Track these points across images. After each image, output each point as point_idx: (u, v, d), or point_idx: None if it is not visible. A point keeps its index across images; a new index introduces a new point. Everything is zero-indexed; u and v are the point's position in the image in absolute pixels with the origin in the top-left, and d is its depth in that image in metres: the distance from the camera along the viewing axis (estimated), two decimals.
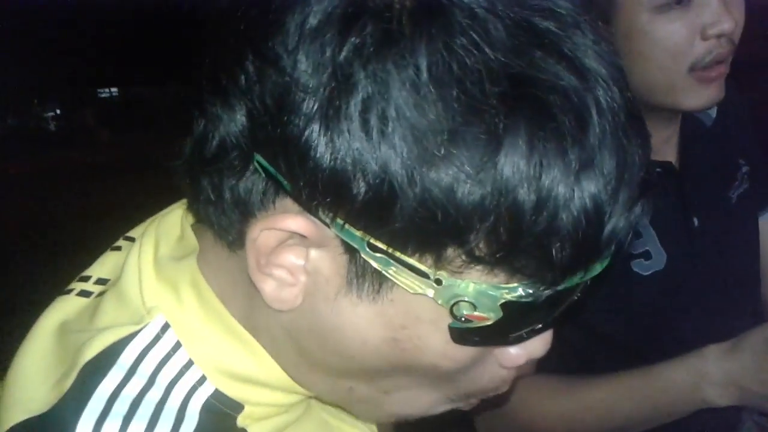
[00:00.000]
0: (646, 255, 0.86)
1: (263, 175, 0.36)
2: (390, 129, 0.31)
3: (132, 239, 0.50)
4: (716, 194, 0.91)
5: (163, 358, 0.42)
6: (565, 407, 0.85)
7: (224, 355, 0.43)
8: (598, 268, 0.37)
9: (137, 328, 0.43)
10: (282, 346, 0.43)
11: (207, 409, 0.42)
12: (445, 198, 0.32)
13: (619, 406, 0.81)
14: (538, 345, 0.42)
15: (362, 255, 0.35)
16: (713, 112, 0.92)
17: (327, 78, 0.32)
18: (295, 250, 0.37)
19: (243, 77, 0.35)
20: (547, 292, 0.35)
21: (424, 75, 0.32)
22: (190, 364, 0.43)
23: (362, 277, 0.36)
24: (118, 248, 0.51)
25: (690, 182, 0.88)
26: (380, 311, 0.37)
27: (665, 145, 0.88)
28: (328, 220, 0.35)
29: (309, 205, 0.35)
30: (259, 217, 0.37)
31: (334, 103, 0.32)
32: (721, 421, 0.90)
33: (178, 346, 0.43)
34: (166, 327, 0.43)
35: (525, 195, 0.32)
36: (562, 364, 0.93)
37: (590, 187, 0.33)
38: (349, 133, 0.32)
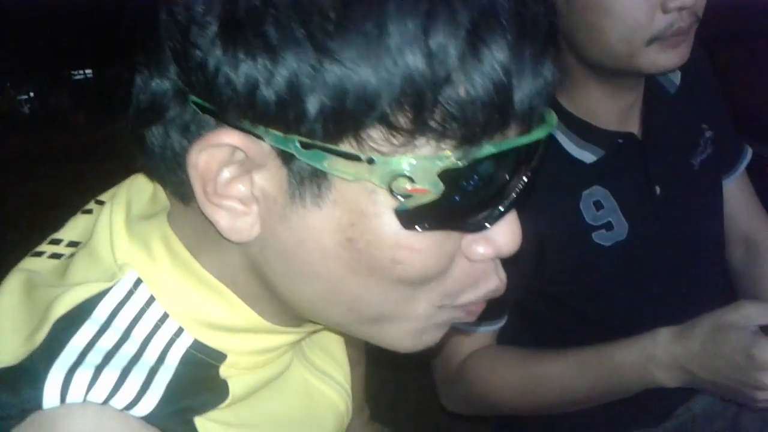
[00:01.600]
0: (608, 226, 0.86)
1: (198, 111, 0.37)
2: (283, 25, 0.33)
3: (103, 202, 0.50)
4: (679, 161, 0.91)
5: (137, 313, 0.43)
6: (521, 379, 0.86)
7: (199, 305, 0.44)
8: (525, 139, 0.37)
9: (109, 284, 0.43)
10: (256, 288, 0.44)
11: (186, 360, 0.43)
12: (346, 78, 0.33)
13: (573, 382, 0.82)
14: (504, 239, 0.41)
15: (296, 158, 0.36)
16: (677, 79, 0.91)
17: (217, 2, 0.34)
18: (239, 179, 0.38)
19: (162, 20, 0.36)
20: (479, 154, 0.36)
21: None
22: (165, 317, 0.43)
23: (302, 184, 0.37)
24: (89, 211, 0.52)
25: (652, 151, 0.88)
26: (327, 215, 0.38)
27: (628, 114, 0.87)
28: (259, 132, 0.36)
29: (237, 123, 0.36)
30: (199, 139, 0.38)
31: (227, 15, 0.34)
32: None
33: (151, 300, 0.43)
34: (138, 282, 0.43)
35: (417, 58, 0.33)
36: (532, 337, 0.94)
37: (487, 41, 0.34)
38: (246, 44, 0.34)
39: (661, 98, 0.89)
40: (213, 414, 0.44)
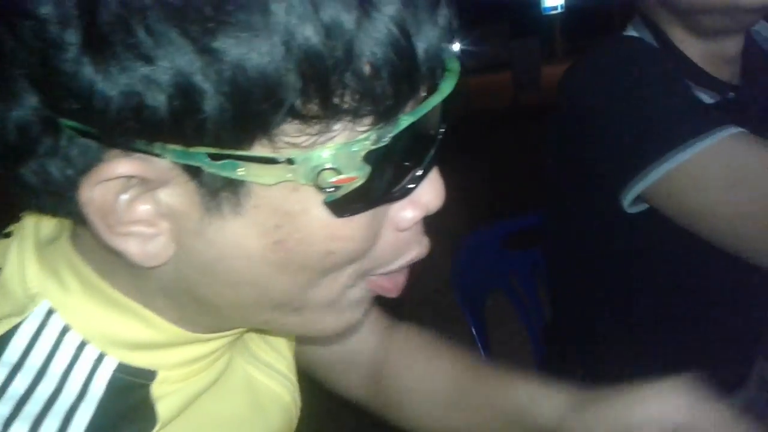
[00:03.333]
0: None
1: (77, 137, 0.34)
2: (155, 28, 0.30)
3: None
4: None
5: (52, 346, 0.40)
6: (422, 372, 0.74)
7: (116, 328, 0.42)
8: (437, 97, 0.37)
9: (20, 318, 0.41)
10: (178, 302, 0.42)
11: (113, 386, 0.41)
12: (239, 74, 0.30)
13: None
14: (429, 196, 0.40)
15: (206, 170, 0.33)
16: None
17: (72, 5, 0.30)
18: (141, 198, 0.35)
19: (7, 48, 0.32)
20: (399, 127, 0.35)
21: None
22: (83, 344, 0.41)
23: (216, 195, 0.35)
24: (8, 234, 0.47)
25: (759, 117, 0.83)
26: (249, 222, 0.36)
27: (732, 67, 0.84)
28: (157, 151, 0.33)
29: (127, 144, 0.33)
30: (87, 175, 0.34)
31: (88, 28, 0.30)
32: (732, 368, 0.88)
33: (66, 329, 0.41)
34: (50, 312, 0.41)
35: (312, 37, 0.31)
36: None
37: (383, 6, 0.32)
38: (117, 52, 0.30)
39: (764, 60, 0.87)
40: None
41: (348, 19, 0.31)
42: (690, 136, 0.72)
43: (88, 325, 0.41)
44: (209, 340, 0.46)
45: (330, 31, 0.31)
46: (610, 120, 0.79)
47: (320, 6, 0.31)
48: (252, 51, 0.30)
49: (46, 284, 0.42)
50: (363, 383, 0.71)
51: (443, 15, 0.35)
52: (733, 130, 0.73)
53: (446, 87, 0.37)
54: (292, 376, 0.59)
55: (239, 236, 0.36)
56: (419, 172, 0.38)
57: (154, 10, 0.29)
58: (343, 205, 0.36)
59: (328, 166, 0.34)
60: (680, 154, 0.72)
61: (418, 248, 0.43)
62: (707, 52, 0.82)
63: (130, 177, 0.34)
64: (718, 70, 0.83)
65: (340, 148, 0.34)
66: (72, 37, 0.30)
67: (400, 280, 0.45)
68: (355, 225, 0.37)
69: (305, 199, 0.35)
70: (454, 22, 0.36)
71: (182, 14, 0.30)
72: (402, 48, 0.33)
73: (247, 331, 0.53)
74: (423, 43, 0.34)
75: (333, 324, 0.44)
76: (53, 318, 0.41)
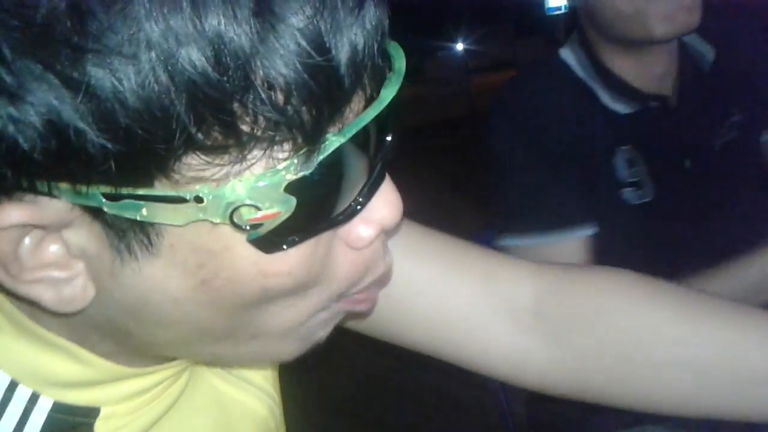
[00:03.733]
0: (638, 185, 0.91)
1: None
2: (13, 62, 0.26)
3: None
4: (704, 140, 0.95)
5: None
6: None
7: (48, 366, 0.38)
8: (380, 102, 0.32)
9: None
10: (112, 340, 0.38)
11: (50, 427, 0.37)
12: (118, 106, 0.26)
13: None
14: (383, 211, 0.35)
15: (106, 210, 0.29)
16: (710, 56, 0.95)
17: None
18: (48, 239, 0.31)
19: None
20: (326, 150, 0.30)
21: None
22: (14, 385, 0.37)
23: (124, 236, 0.31)
24: None
25: (684, 123, 0.93)
26: (168, 263, 0.31)
27: (662, 84, 0.92)
28: (45, 191, 0.29)
29: (6, 187, 0.29)
30: None
31: None
32: None
33: None
34: None
35: (197, 56, 0.26)
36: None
37: (287, 13, 0.27)
38: None
39: (695, 72, 0.94)
40: None
41: (240, 35, 0.26)
42: (538, 229, 0.87)
43: (17, 365, 0.38)
44: (154, 372, 0.41)
45: (218, 51, 0.26)
46: (493, 170, 0.94)
47: (204, 22, 0.26)
48: (126, 80, 0.26)
49: None
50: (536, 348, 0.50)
51: (370, 13, 0.30)
52: (581, 233, 0.87)
53: (387, 93, 0.32)
54: (271, 388, 0.52)
55: (159, 278, 0.32)
56: (364, 190, 0.33)
57: (8, 42, 0.26)
58: (271, 240, 0.31)
59: (243, 202, 0.29)
60: (528, 240, 0.87)
61: (382, 268, 0.39)
62: (634, 66, 0.90)
63: (23, 225, 0.30)
64: (644, 82, 0.91)
65: (256, 180, 0.29)
66: None
67: (372, 295, 0.40)
68: (291, 258, 0.32)
69: (226, 237, 0.31)
70: (385, 18, 0.31)
71: (42, 43, 0.26)
72: (315, 65, 0.28)
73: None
74: (346, 51, 0.29)
75: (296, 350, 0.40)
76: None
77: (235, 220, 0.30)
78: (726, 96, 0.96)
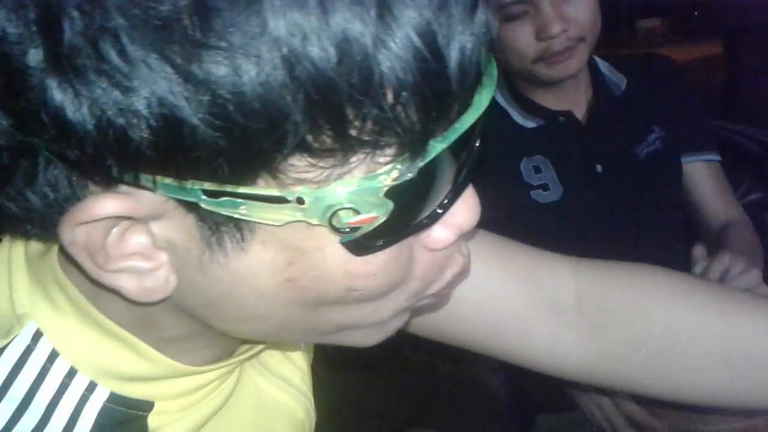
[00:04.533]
0: (544, 187, 1.07)
1: (55, 166, 0.31)
2: (130, 50, 0.25)
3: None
4: (621, 149, 1.10)
5: (39, 373, 0.37)
6: None
7: (106, 357, 0.38)
8: (476, 108, 0.32)
9: (5, 342, 0.37)
10: (182, 332, 0.39)
11: (104, 418, 0.38)
12: (235, 103, 0.26)
13: None
14: (463, 215, 0.36)
15: (203, 206, 0.29)
16: (622, 84, 1.12)
17: (33, 16, 0.26)
18: (134, 230, 0.32)
19: None
20: (428, 156, 0.30)
21: None
22: (73, 372, 0.38)
23: (218, 231, 0.31)
24: None
25: (594, 134, 1.09)
26: (257, 259, 0.32)
27: (573, 103, 1.10)
28: (147, 184, 0.29)
29: (107, 176, 0.29)
30: (68, 214, 0.31)
31: (53, 45, 0.26)
32: None
33: (54, 355, 0.37)
34: (38, 336, 0.38)
35: (321, 56, 0.26)
36: None
37: (405, 14, 0.27)
38: (88, 76, 0.26)
39: (608, 96, 1.11)
40: None
41: (365, 34, 0.26)
42: None
43: (78, 351, 0.38)
44: (211, 371, 0.42)
45: (343, 50, 0.26)
46: None
47: (331, 18, 0.25)
48: (247, 77, 0.25)
49: (35, 302, 0.38)
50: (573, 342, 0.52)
51: (481, 17, 0.30)
52: None
53: (483, 99, 0.32)
54: (307, 389, 0.53)
55: (246, 274, 0.32)
56: (450, 194, 0.34)
57: (128, 31, 0.25)
58: (363, 244, 0.32)
59: (345, 205, 0.29)
60: None
61: (461, 261, 0.39)
62: (545, 93, 1.07)
63: (116, 217, 0.30)
64: (555, 104, 1.08)
65: (358, 184, 0.29)
66: (34, 57, 0.26)
67: (450, 289, 0.41)
68: (378, 261, 0.33)
69: (319, 237, 0.31)
70: (492, 22, 0.31)
71: (162, 35, 0.25)
72: (430, 67, 0.27)
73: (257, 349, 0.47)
74: (456, 54, 0.28)
75: (376, 339, 0.41)
76: (41, 342, 0.37)
77: (334, 222, 0.30)
78: (643, 116, 1.11)
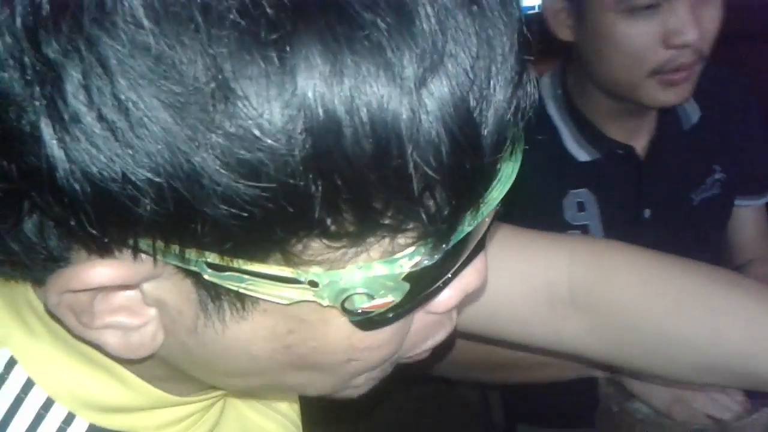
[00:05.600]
0: (584, 229, 0.92)
1: (45, 221, 0.28)
2: (136, 113, 0.23)
3: None
4: (677, 193, 0.95)
5: (12, 404, 0.35)
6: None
7: (87, 386, 0.36)
8: (503, 179, 0.29)
9: None
10: (168, 372, 0.36)
11: None
12: (250, 181, 0.23)
13: None
14: (471, 278, 0.34)
15: (205, 277, 0.27)
16: (695, 117, 0.94)
17: (30, 71, 0.23)
18: (124, 287, 0.29)
19: None
20: (453, 241, 0.28)
21: (147, 18, 0.22)
22: (50, 403, 0.35)
23: (217, 299, 0.29)
24: None
25: (651, 175, 0.93)
26: (256, 326, 0.30)
27: (635, 133, 0.92)
28: (146, 250, 0.26)
29: (101, 243, 0.27)
30: (55, 274, 0.29)
31: (51, 102, 0.23)
32: None
33: (30, 384, 0.35)
34: (11, 364, 0.35)
35: (352, 141, 0.23)
36: None
37: (442, 90, 0.24)
38: (86, 138, 0.23)
39: (674, 129, 0.93)
40: None
41: (399, 121, 0.23)
42: None
43: (55, 381, 0.35)
44: (199, 401, 0.40)
45: (378, 144, 0.23)
46: None
47: (365, 100, 0.23)
48: (267, 153, 0.23)
49: (8, 326, 0.35)
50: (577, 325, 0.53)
51: (522, 90, 0.27)
52: None
53: (509, 169, 0.29)
54: (295, 416, 0.52)
55: (243, 339, 0.31)
56: (464, 262, 0.31)
57: (143, 84, 0.22)
58: (372, 320, 0.30)
59: (359, 290, 0.28)
60: None
61: (448, 328, 0.37)
62: (608, 115, 0.89)
63: (111, 286, 0.28)
64: (615, 131, 0.90)
65: (377, 269, 0.27)
66: (29, 111, 0.23)
67: (428, 353, 0.39)
68: (384, 335, 0.31)
69: (326, 311, 0.29)
70: (534, 88, 0.28)
71: (179, 114, 0.22)
72: (464, 157, 0.25)
73: None
74: (492, 134, 0.26)
75: (358, 393, 0.39)
76: (14, 370, 0.35)
77: (347, 306, 0.28)
78: (708, 153, 0.95)
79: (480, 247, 0.32)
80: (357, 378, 0.36)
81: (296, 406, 0.53)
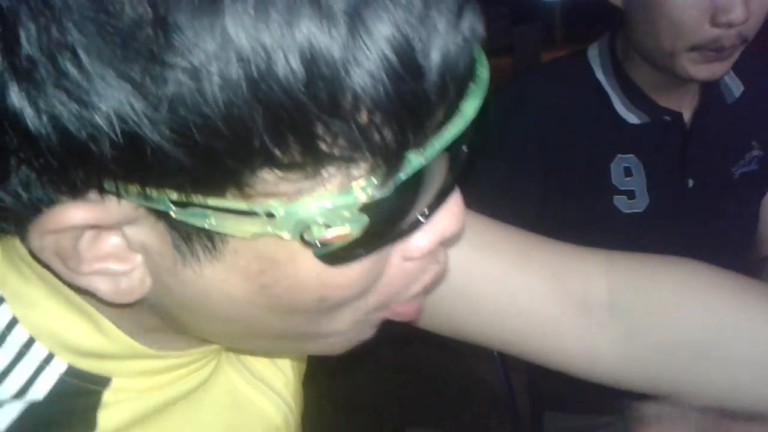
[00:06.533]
0: (630, 194, 0.94)
1: (24, 169, 0.30)
2: (88, 66, 0.24)
3: None
4: (718, 165, 0.97)
5: None
6: None
7: (68, 329, 0.37)
8: (463, 116, 0.30)
9: None
10: (152, 322, 0.38)
11: (59, 390, 0.37)
12: (195, 120, 0.25)
13: None
14: (446, 221, 0.34)
15: (172, 215, 0.29)
16: (737, 91, 0.96)
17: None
18: (108, 233, 0.31)
19: None
20: (406, 171, 0.29)
21: None
22: (31, 342, 0.37)
23: (189, 239, 0.30)
24: None
25: (696, 144, 0.95)
26: (230, 266, 0.31)
27: (680, 101, 0.94)
28: (113, 192, 0.28)
29: (74, 186, 0.29)
30: (35, 222, 0.30)
31: (11, 56, 0.25)
32: None
33: (14, 322, 0.37)
34: None
35: (285, 68, 0.24)
36: None
37: (379, 28, 0.25)
38: (47, 89, 0.25)
39: (717, 102, 0.95)
40: None
41: (332, 48, 0.24)
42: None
43: (38, 321, 0.37)
44: (179, 356, 0.41)
45: (311, 68, 0.24)
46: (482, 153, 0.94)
47: (297, 32, 0.24)
48: (212, 97, 0.24)
49: (3, 273, 0.37)
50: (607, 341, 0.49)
51: (468, 21, 0.28)
52: None
53: (470, 106, 0.30)
54: (290, 397, 0.51)
55: (219, 280, 0.32)
56: (434, 201, 0.32)
57: (85, 46, 0.24)
58: (338, 255, 0.31)
59: (315, 220, 0.29)
60: None
61: (435, 270, 0.37)
62: (655, 81, 0.91)
63: (84, 226, 0.30)
64: (662, 97, 0.92)
65: (331, 199, 0.28)
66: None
67: (418, 304, 0.39)
68: (353, 271, 0.32)
69: (292, 248, 0.30)
70: (479, 26, 0.28)
71: (121, 51, 0.24)
72: (406, 84, 0.26)
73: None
74: (437, 67, 0.27)
75: (341, 348, 0.40)
76: (1, 308, 0.37)
77: (305, 237, 0.29)
78: (747, 129, 0.98)
79: (449, 189, 0.33)
80: (339, 323, 0.36)
81: (293, 385, 0.51)
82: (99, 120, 0.25)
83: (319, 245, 0.30)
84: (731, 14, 0.76)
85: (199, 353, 0.42)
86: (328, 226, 0.29)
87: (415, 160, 0.29)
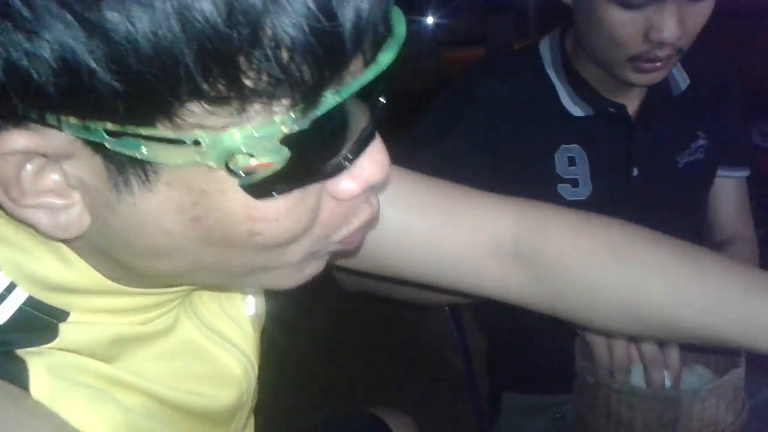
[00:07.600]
0: (574, 182, 0.97)
1: None
2: (33, 1, 0.27)
3: None
4: (663, 154, 1.00)
5: None
6: None
7: (32, 262, 0.39)
8: (372, 71, 0.33)
9: None
10: (106, 260, 0.39)
11: (18, 318, 0.38)
12: (130, 50, 0.27)
13: None
14: (370, 170, 0.37)
15: (107, 146, 0.31)
16: (684, 84, 1.00)
17: None
18: (48, 168, 0.33)
19: None
20: (322, 108, 0.32)
21: None
22: None
23: (123, 172, 0.32)
24: None
25: (640, 135, 0.98)
26: (163, 199, 0.33)
27: (627, 96, 0.98)
28: (53, 122, 0.30)
29: (15, 113, 0.31)
30: None
31: None
32: None
33: None
34: None
35: (211, 9, 0.27)
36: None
37: None
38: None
39: (663, 94, 0.99)
40: (59, 354, 0.39)
41: None
42: None
43: (3, 252, 0.38)
44: (142, 294, 0.42)
45: (231, 5, 0.27)
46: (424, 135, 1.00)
47: None
48: (142, 26, 0.27)
49: None
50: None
51: None
52: None
53: (385, 57, 0.34)
54: (250, 351, 0.54)
55: (154, 213, 0.34)
56: (354, 147, 0.35)
57: None
58: (262, 187, 0.33)
59: (240, 150, 0.31)
60: None
61: (368, 211, 0.41)
62: (602, 77, 0.94)
63: (26, 152, 0.32)
64: (609, 91, 0.96)
65: (254, 131, 0.31)
66: None
67: (359, 236, 0.43)
68: (280, 206, 0.35)
69: (220, 180, 0.33)
70: None
71: None
72: (320, 28, 0.29)
73: (197, 290, 0.49)
74: (351, 17, 0.30)
75: (291, 282, 0.43)
76: None
77: (230, 166, 0.32)
78: (693, 119, 1.01)
79: (370, 137, 0.36)
80: (289, 256, 0.39)
81: (253, 340, 0.54)
82: (42, 49, 0.27)
83: (243, 174, 0.32)
84: (664, 33, 0.80)
85: (161, 296, 0.44)
86: (251, 156, 0.31)
87: (331, 98, 0.32)
